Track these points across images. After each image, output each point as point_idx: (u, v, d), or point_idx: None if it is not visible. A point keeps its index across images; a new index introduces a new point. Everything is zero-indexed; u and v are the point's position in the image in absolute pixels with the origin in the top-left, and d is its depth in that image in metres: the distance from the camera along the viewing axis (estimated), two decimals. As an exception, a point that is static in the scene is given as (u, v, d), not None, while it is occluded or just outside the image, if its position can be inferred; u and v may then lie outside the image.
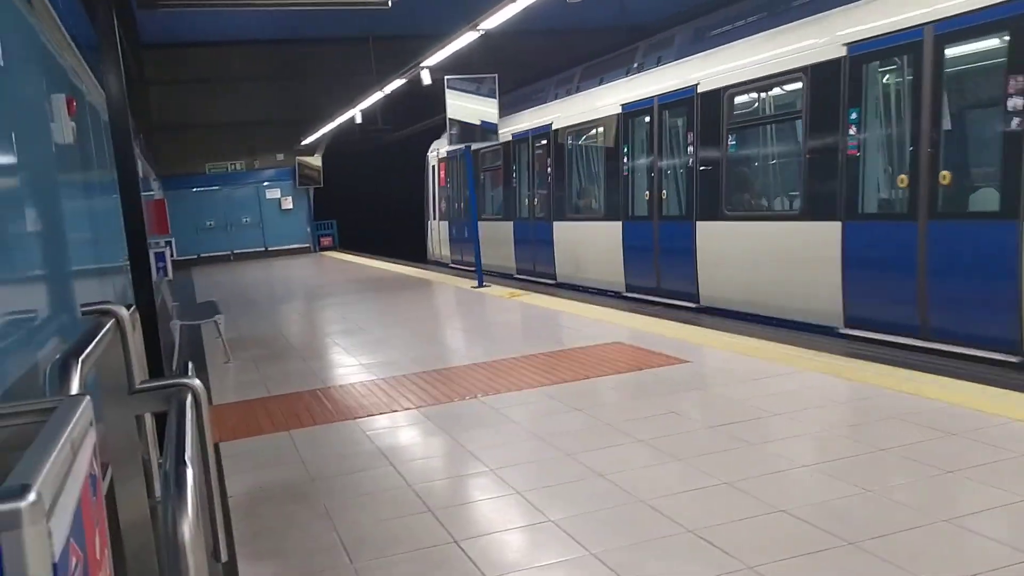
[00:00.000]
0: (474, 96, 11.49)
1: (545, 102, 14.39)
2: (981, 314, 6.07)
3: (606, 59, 12.88)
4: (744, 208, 9.02)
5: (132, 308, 3.88)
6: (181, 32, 21.49)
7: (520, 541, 3.32)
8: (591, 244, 12.01)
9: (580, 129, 12.38)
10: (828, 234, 7.42)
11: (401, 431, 5.14)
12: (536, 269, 13.80)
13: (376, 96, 16.14)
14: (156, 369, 4.38)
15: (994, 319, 5.95)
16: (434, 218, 20.23)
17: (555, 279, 13.15)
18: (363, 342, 8.41)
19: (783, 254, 8.09)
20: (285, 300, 13.57)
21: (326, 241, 26.90)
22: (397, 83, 14.18)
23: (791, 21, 8.30)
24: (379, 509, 3.78)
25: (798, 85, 7.94)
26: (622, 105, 11.08)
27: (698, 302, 9.54)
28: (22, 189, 2.79)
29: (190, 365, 3.89)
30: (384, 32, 21.86)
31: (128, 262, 6.10)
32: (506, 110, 14.03)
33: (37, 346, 2.77)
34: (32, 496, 1.02)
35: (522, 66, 19.31)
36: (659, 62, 10.87)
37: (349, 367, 7.26)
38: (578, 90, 13.16)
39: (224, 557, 3.21)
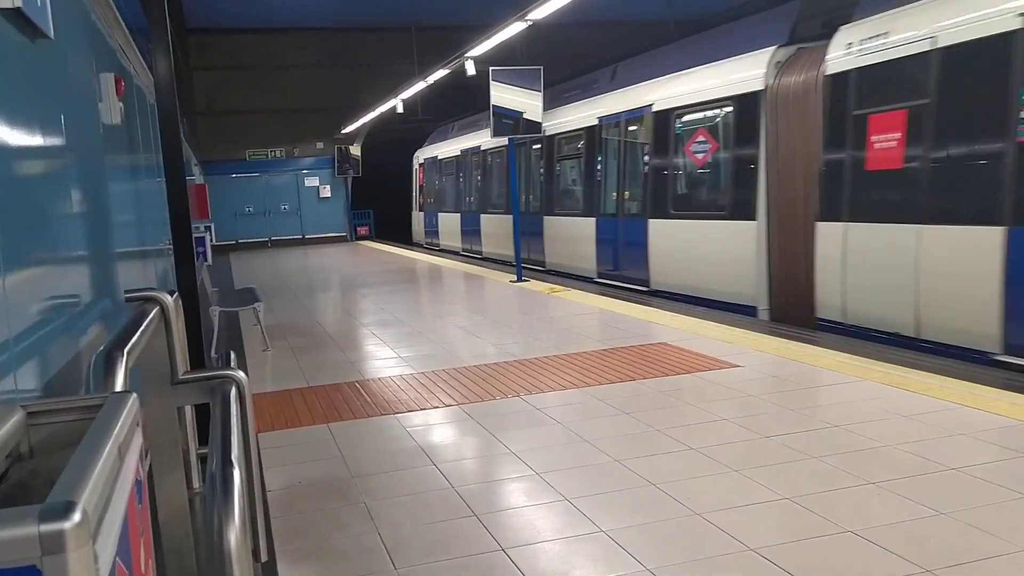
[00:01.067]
0: (518, 88, 11.33)
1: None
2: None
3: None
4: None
5: (175, 295, 3.79)
6: (225, 18, 21.60)
7: (571, 552, 3.17)
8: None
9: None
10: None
11: (442, 428, 5.02)
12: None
13: (418, 86, 16.05)
14: (197, 357, 4.29)
15: None
16: (416, 209, 24.86)
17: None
18: (401, 334, 8.31)
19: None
20: (322, 289, 13.53)
21: (363, 230, 26.93)
22: (440, 73, 14.05)
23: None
24: (422, 511, 3.66)
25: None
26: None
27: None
28: (69, 169, 2.69)
29: (232, 356, 3.79)
30: (427, 23, 21.78)
31: (170, 246, 6.04)
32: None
33: (80, 333, 2.67)
34: (77, 516, 0.89)
35: (569, 58, 19.11)
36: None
37: (387, 359, 7.15)
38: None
39: (264, 557, 3.10)
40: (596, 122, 12.43)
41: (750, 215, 8.69)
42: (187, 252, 4.33)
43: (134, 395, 1.56)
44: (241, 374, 2.79)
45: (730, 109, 9.08)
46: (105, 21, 3.97)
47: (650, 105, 10.75)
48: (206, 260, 10.78)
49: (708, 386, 5.48)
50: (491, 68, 11.09)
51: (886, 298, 6.76)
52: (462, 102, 21.41)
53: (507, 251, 14.84)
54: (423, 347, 7.53)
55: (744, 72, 8.85)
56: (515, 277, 12.14)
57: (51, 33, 2.23)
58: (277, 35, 23.51)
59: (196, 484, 3.79)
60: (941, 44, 6.19)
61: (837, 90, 7.28)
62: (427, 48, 20.89)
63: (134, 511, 1.33)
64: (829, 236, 7.38)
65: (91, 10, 3.53)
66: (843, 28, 7.39)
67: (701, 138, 9.71)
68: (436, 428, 5.01)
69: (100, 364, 1.93)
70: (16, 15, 1.95)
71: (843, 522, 3.24)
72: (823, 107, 7.48)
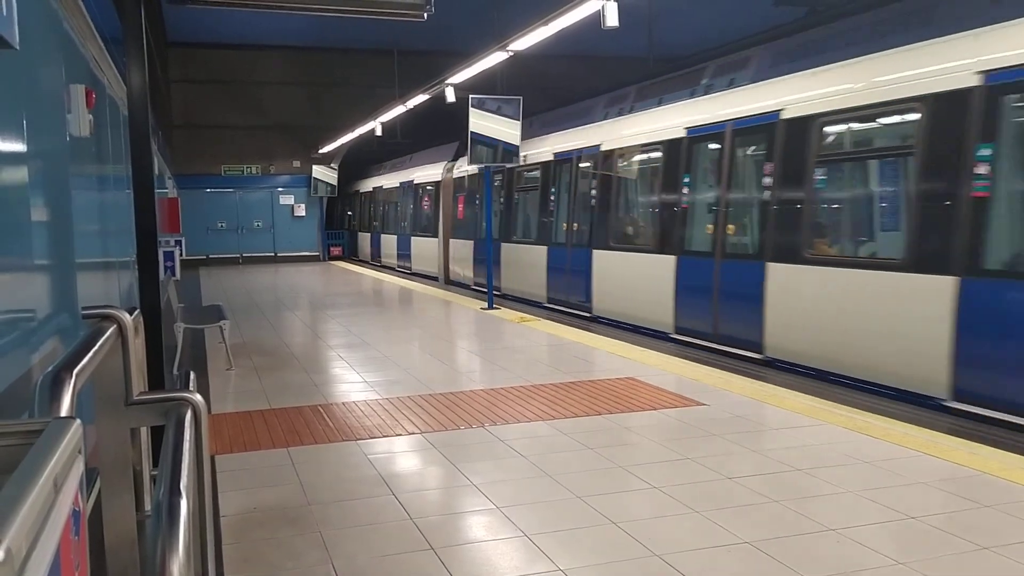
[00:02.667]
0: (497, 116, 11.38)
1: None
2: None
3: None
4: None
5: (136, 312, 3.71)
6: (208, 32, 21.52)
7: (527, 591, 3.12)
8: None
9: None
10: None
11: (403, 457, 4.95)
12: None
13: (398, 110, 16.07)
14: (156, 376, 4.20)
15: None
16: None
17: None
18: (368, 358, 8.22)
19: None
20: (291, 308, 13.40)
21: (336, 250, 26.80)
22: (420, 98, 14.08)
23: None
24: (378, 542, 3.58)
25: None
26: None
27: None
28: (31, 180, 2.63)
29: (192, 376, 3.71)
30: (410, 47, 21.86)
31: (133, 260, 5.94)
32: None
33: (32, 350, 2.59)
34: (0, 555, 0.85)
35: (548, 90, 19.23)
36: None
37: (352, 383, 7.07)
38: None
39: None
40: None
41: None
42: (152, 268, 4.25)
43: (77, 422, 1.50)
44: (198, 397, 2.72)
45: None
46: (78, 31, 3.91)
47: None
48: (174, 275, 10.63)
49: (673, 424, 5.47)
50: (471, 96, 11.13)
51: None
52: (442, 126, 21.47)
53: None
54: (390, 372, 7.46)
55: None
56: (486, 304, 12.11)
57: (16, 43, 2.18)
58: (259, 52, 23.47)
59: (148, 507, 3.69)
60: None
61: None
62: (408, 72, 20.94)
63: (68, 545, 1.27)
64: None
65: (63, 19, 3.48)
66: None
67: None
68: (398, 456, 4.94)
69: (47, 385, 1.86)
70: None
71: (803, 569, 3.22)
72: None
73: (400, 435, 5.33)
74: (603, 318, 11.20)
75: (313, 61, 23.93)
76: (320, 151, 24.49)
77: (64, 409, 1.83)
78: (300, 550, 3.51)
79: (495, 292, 13.92)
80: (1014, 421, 5.48)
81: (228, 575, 3.26)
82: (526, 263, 13.99)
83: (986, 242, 5.83)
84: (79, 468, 1.47)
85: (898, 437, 4.97)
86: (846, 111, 7.18)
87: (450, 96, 12.26)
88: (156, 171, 9.11)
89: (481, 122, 11.19)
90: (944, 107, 6.19)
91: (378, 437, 5.29)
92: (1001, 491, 4.04)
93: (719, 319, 8.77)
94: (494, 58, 10.13)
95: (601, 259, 11.35)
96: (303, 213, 25.52)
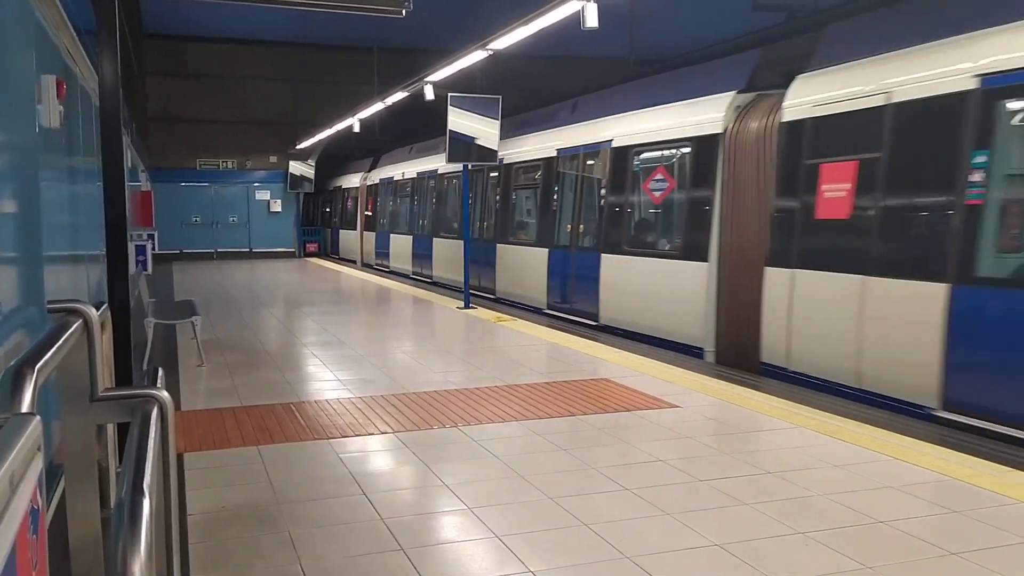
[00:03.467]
0: (475, 116, 11.35)
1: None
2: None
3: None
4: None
5: (103, 306, 3.65)
6: (185, 25, 21.32)
7: (497, 592, 3.10)
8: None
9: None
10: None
11: (375, 456, 4.92)
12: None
13: (376, 107, 15.99)
14: (124, 373, 4.14)
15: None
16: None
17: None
18: (341, 356, 8.17)
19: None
20: (266, 304, 13.29)
21: (312, 247, 26.64)
22: (399, 95, 14.02)
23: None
24: (348, 542, 3.56)
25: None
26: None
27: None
28: (2, 171, 2.58)
29: (160, 373, 3.65)
30: (389, 44, 21.77)
31: (103, 254, 5.85)
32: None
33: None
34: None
35: (527, 89, 19.23)
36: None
37: (325, 382, 7.02)
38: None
39: (178, 587, 2.96)
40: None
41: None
42: (121, 262, 4.19)
43: (37, 418, 1.47)
44: (165, 394, 2.68)
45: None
46: (50, 21, 3.85)
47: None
48: (145, 269, 10.51)
49: (647, 425, 5.48)
50: (450, 94, 11.10)
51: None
52: (420, 125, 21.40)
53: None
54: (364, 371, 7.41)
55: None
56: (463, 303, 12.08)
57: (-17, 30, 2.14)
58: (237, 46, 23.28)
59: (113, 504, 3.64)
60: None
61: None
62: (388, 69, 20.85)
63: (25, 543, 1.24)
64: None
65: (35, 8, 3.42)
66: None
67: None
68: (370, 456, 4.91)
69: (8, 381, 1.82)
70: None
71: (771, 572, 3.23)
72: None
73: (373, 434, 5.30)
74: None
75: (293, 57, 23.78)
76: (298, 147, 24.33)
77: (25, 405, 1.79)
78: (269, 550, 3.48)
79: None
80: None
81: (196, 574, 3.22)
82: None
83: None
84: (38, 465, 1.44)
85: (868, 441, 5.01)
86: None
87: (429, 94, 12.22)
88: (129, 164, 8.99)
89: (460, 120, 11.16)
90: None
91: (351, 436, 5.26)
92: (970, 496, 4.08)
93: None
94: (474, 57, 10.10)
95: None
96: (279, 209, 25.34)
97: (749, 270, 8.03)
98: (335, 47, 23.34)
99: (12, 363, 1.89)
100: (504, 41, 9.14)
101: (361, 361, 7.90)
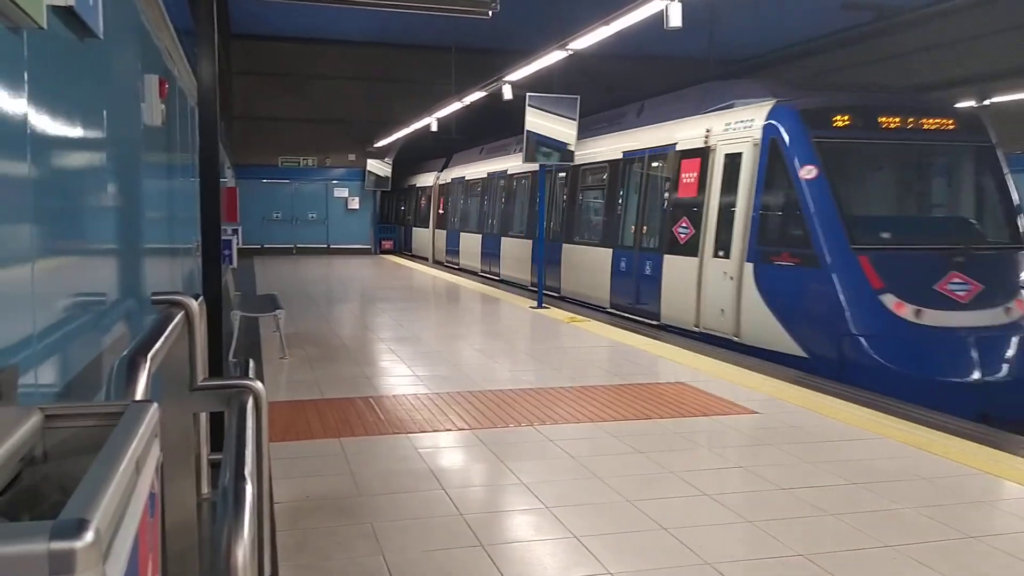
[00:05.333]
0: (553, 115, 11.35)
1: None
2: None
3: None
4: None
5: (200, 299, 3.78)
6: (271, 26, 21.85)
7: (576, 593, 3.10)
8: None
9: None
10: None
11: (453, 452, 4.97)
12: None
13: (454, 106, 16.13)
14: (216, 363, 4.28)
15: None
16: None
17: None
18: (417, 352, 8.28)
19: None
20: (343, 300, 13.55)
21: (387, 244, 27.03)
22: (477, 95, 14.12)
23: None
24: (428, 537, 3.61)
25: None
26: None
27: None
28: (107, 167, 2.70)
29: (251, 364, 3.77)
30: (468, 44, 21.92)
31: (196, 247, 6.06)
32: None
33: (103, 333, 2.65)
34: (90, 536, 0.86)
35: (604, 89, 19.15)
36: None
37: (402, 377, 7.13)
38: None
39: (267, 572, 3.05)
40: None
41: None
42: (215, 256, 4.33)
43: (155, 405, 1.53)
44: (259, 385, 2.76)
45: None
46: (153, 22, 4.00)
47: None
48: (231, 263, 10.82)
49: (725, 430, 5.40)
50: (528, 94, 11.13)
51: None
52: (496, 124, 21.50)
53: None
54: (439, 367, 7.50)
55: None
56: (535, 303, 12.10)
57: (100, 32, 2.24)
58: (319, 46, 23.74)
59: (205, 490, 3.76)
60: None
61: None
62: (465, 69, 21.00)
63: (146, 527, 1.30)
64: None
65: (140, 11, 3.56)
66: None
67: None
68: (447, 452, 4.97)
69: (123, 369, 1.90)
70: (68, 14, 1.95)
71: (858, 585, 3.15)
72: None
73: (449, 430, 5.36)
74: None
75: (372, 56, 24.14)
76: (375, 145, 24.71)
77: (139, 392, 1.87)
78: (351, 540, 3.55)
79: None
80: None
81: (282, 561, 3.31)
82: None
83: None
84: (156, 451, 1.50)
85: (958, 455, 4.84)
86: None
87: (507, 94, 12.27)
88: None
89: (538, 120, 11.18)
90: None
91: (428, 431, 5.33)
92: (1067, 515, 3.91)
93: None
94: (553, 57, 10.10)
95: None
96: (356, 206, 25.78)
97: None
98: (414, 47, 23.61)
99: (125, 352, 1.98)
100: (584, 41, 9.12)
101: (436, 357, 7.99)
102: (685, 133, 10.48)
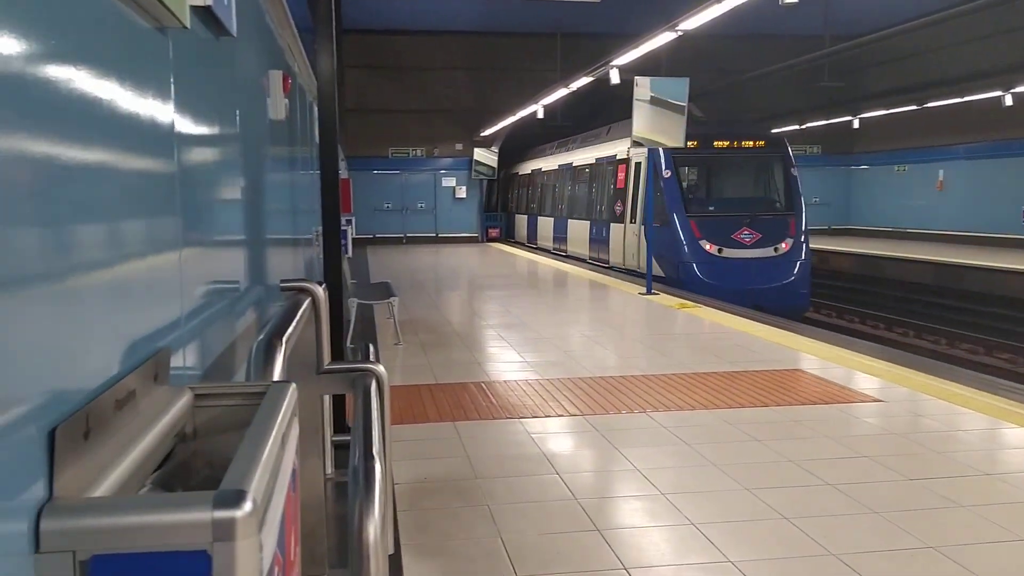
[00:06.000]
0: (662, 98, 11.17)
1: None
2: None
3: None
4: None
5: (323, 286, 3.92)
6: (379, 19, 22.31)
7: (696, 579, 3.08)
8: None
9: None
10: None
11: (565, 437, 4.99)
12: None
13: (560, 92, 16.11)
14: (337, 348, 4.43)
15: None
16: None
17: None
18: (527, 339, 8.34)
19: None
20: (452, 287, 13.77)
21: (494, 232, 27.28)
22: (583, 80, 14.05)
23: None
24: (544, 520, 3.64)
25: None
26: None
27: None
28: (239, 161, 2.82)
29: (372, 348, 3.88)
30: (573, 29, 21.84)
31: (314, 237, 6.26)
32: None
33: (238, 318, 2.78)
34: (248, 505, 0.91)
35: (714, 70, 18.75)
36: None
37: (512, 363, 7.19)
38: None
39: (390, 550, 3.15)
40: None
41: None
42: (336, 244, 4.47)
43: (293, 385, 1.60)
44: (381, 368, 2.84)
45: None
46: (277, 21, 4.15)
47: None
48: (346, 252, 11.16)
49: (847, 419, 5.23)
50: (636, 77, 10.99)
51: None
52: (600, 110, 21.35)
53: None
54: (548, 353, 7.53)
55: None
56: (644, 289, 11.99)
57: (234, 31, 2.34)
58: (425, 37, 24.12)
59: (329, 470, 3.91)
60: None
61: None
62: (571, 55, 20.93)
63: (290, 500, 1.37)
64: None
65: (265, 11, 3.70)
66: None
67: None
68: (559, 437, 4.99)
69: (261, 351, 2.00)
70: (205, 13, 2.05)
71: (996, 581, 3.01)
72: None
73: (561, 416, 5.38)
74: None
75: (478, 45, 24.36)
76: (482, 134, 24.94)
77: (277, 373, 1.96)
78: (469, 522, 3.62)
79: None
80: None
81: (403, 541, 3.41)
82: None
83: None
84: (296, 429, 1.57)
85: (1105, 447, 4.54)
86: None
87: (614, 77, 12.16)
88: (333, 153, 9.54)
89: (646, 103, 11.03)
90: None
91: (539, 416, 5.36)
92: None
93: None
94: (662, 38, 9.95)
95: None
96: (464, 195, 26.10)
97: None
98: (519, 34, 23.69)
99: (262, 336, 2.08)
100: (694, 21, 8.94)
101: (546, 343, 8.03)
102: (619, 149, 16.66)
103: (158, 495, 1.22)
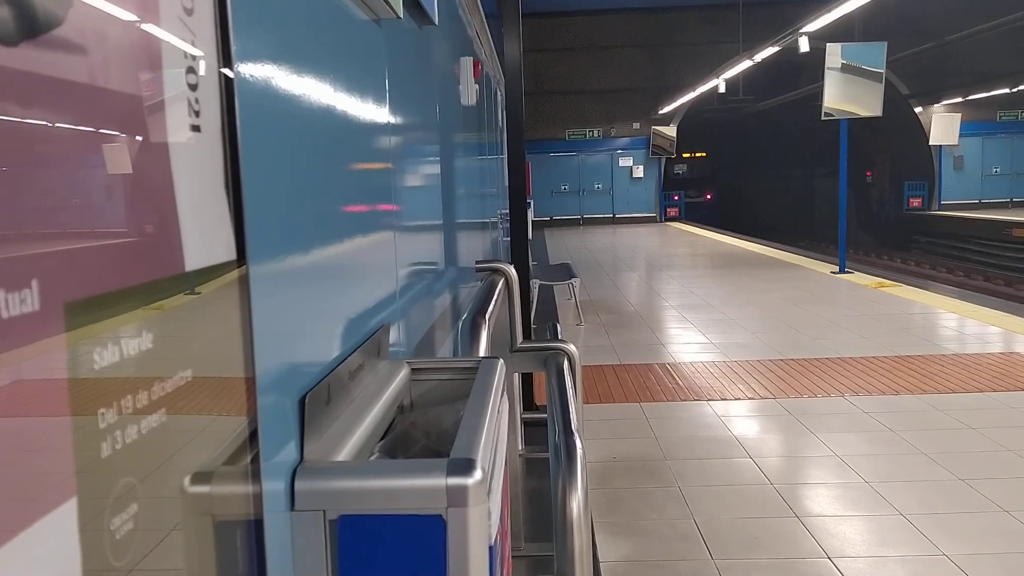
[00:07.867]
0: (856, 65, 10.51)
1: None
2: None
3: None
4: None
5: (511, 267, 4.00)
6: (554, 3, 22.42)
7: (909, 572, 2.91)
8: None
9: None
10: None
11: (757, 420, 4.85)
12: None
13: (743, 64, 15.52)
14: (525, 328, 4.52)
15: None
16: None
17: None
18: (710, 320, 8.15)
19: None
20: (631, 268, 13.68)
21: (672, 212, 26.84)
22: (769, 51, 13.48)
23: None
24: (738, 504, 3.56)
25: None
26: None
27: None
28: (439, 147, 2.92)
29: (559, 328, 3.93)
30: (755, -1, 21.02)
31: (498, 220, 6.40)
32: None
33: (437, 296, 2.90)
34: (479, 473, 0.95)
35: (912, 34, 17.44)
36: None
37: (697, 344, 7.05)
38: None
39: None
40: None
41: None
42: (522, 226, 4.55)
43: (501, 361, 1.65)
44: (573, 347, 2.88)
45: None
46: (467, 7, 4.26)
47: None
48: (528, 235, 11.36)
49: (1076, 408, 4.75)
50: (828, 44, 10.41)
51: None
52: (784, 82, 20.40)
53: None
54: (734, 335, 7.32)
55: None
56: (837, 268, 11.39)
57: (436, 20, 2.42)
58: (601, 17, 23.97)
59: (520, 447, 4.01)
60: None
61: None
62: (752, 25, 20.14)
63: (504, 471, 1.41)
64: None
65: (458, 3, 3.80)
66: None
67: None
68: (750, 420, 4.85)
69: (467, 329, 2.07)
70: (411, 2, 2.13)
71: None
72: None
73: (752, 399, 5.23)
74: None
75: (654, 22, 23.94)
76: (659, 112, 24.53)
77: (482, 349, 2.03)
78: (661, 503, 3.60)
79: None
80: None
81: (596, 519, 3.44)
82: None
83: None
84: (506, 403, 1.62)
85: None
86: None
87: (804, 46, 11.58)
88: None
89: (838, 73, 10.43)
90: None
91: (729, 399, 5.24)
92: None
93: None
94: (857, 1, 9.35)
95: None
96: (641, 175, 25.81)
97: None
98: (696, 7, 23.06)
99: (466, 315, 2.15)
100: (892, -20, 8.34)
101: (731, 324, 7.81)
102: None
103: (397, 461, 1.29)
